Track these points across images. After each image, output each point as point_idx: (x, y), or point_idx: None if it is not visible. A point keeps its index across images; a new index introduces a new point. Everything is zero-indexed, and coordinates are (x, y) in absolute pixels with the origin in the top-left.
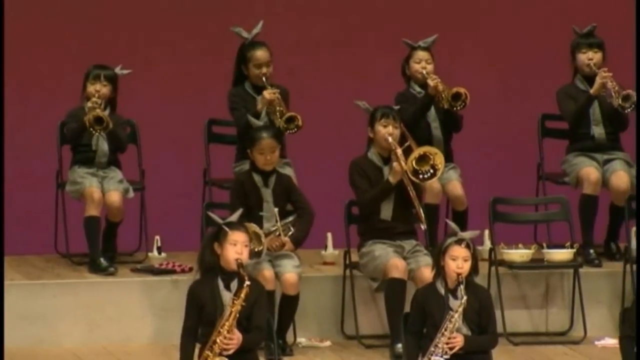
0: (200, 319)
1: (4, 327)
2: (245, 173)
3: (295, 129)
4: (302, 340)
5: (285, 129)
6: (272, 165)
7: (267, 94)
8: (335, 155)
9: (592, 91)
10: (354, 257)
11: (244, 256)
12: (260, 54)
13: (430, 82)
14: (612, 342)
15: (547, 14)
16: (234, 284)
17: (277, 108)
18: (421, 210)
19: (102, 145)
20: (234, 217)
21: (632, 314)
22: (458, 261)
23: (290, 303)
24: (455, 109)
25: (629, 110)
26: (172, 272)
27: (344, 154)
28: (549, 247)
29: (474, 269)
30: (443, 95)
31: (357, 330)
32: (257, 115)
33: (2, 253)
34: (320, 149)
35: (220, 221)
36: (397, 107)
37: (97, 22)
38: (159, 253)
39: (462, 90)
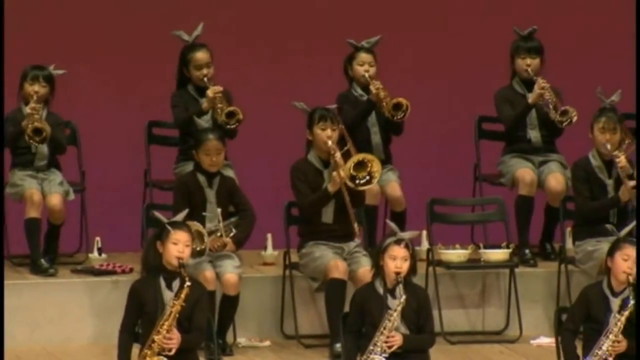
0: (139, 317)
1: (4, 326)
2: (189, 174)
3: (236, 124)
4: (242, 340)
5: (226, 124)
6: (218, 166)
7: (211, 92)
8: (275, 158)
9: (530, 101)
10: (294, 258)
11: (186, 255)
12: (201, 55)
13: (372, 89)
14: (547, 340)
15: (484, 16)
16: (175, 283)
17: (218, 105)
18: (354, 222)
19: (42, 148)
20: (179, 217)
21: (577, 309)
22: (397, 261)
23: (230, 303)
24: (395, 118)
25: (565, 124)
26: (112, 272)
27: (283, 156)
28: (485, 247)
29: (413, 269)
30: (384, 103)
31: (297, 330)
32: (202, 115)
33: (2, 253)
34: (260, 152)
35: (164, 219)
36: (335, 106)
37: (36, 22)
38: (100, 254)
39: (403, 101)
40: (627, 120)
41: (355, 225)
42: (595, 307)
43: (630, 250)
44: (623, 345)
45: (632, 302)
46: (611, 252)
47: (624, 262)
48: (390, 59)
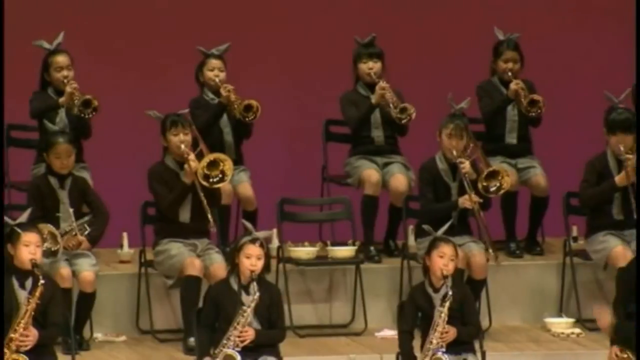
0: None
1: (4, 326)
2: (41, 176)
3: (93, 112)
4: (98, 335)
5: (82, 113)
6: (68, 168)
7: (68, 87)
8: (131, 158)
9: (373, 101)
10: (149, 256)
11: (38, 256)
12: (61, 59)
13: (223, 92)
14: (391, 333)
15: (329, 24)
16: (28, 283)
17: (75, 98)
18: (209, 215)
19: None
20: (23, 218)
21: (408, 309)
22: (252, 259)
23: (87, 300)
24: (246, 119)
25: (405, 121)
26: None
27: (139, 156)
28: (332, 244)
29: (266, 267)
30: (235, 106)
31: (152, 325)
32: (58, 108)
33: (2, 251)
34: (116, 153)
35: (11, 222)
36: (187, 111)
37: None
38: None
39: (254, 103)
40: (473, 124)
41: (211, 221)
42: (422, 306)
43: (445, 248)
44: (451, 334)
45: (450, 293)
46: (428, 251)
47: (439, 260)
48: (241, 62)
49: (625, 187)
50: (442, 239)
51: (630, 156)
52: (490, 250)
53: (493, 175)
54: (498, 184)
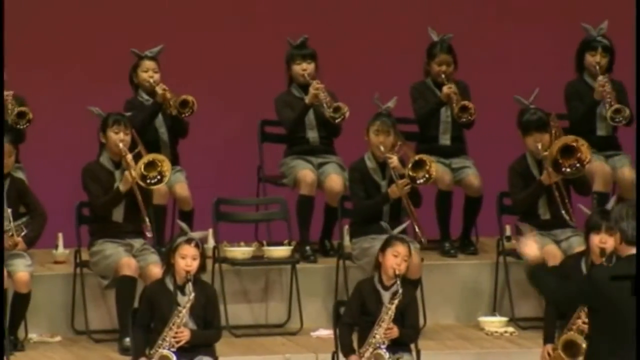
0: None
1: (4, 324)
2: None
3: (27, 124)
4: (33, 336)
5: (17, 123)
6: (8, 168)
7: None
8: (66, 159)
9: (307, 101)
10: (85, 257)
11: None
12: None
13: (159, 90)
14: (326, 332)
15: (262, 25)
16: None
17: (9, 106)
18: (146, 218)
19: None
20: None
21: (352, 302)
22: (187, 259)
23: (22, 301)
24: (183, 115)
25: (338, 120)
26: None
27: (74, 157)
28: (268, 244)
29: (202, 267)
30: (171, 102)
31: (87, 325)
32: None
33: (2, 251)
34: (51, 153)
35: None
36: (128, 115)
37: None
38: None
39: (189, 98)
40: (402, 124)
41: (147, 222)
42: (368, 301)
43: (400, 248)
44: (395, 332)
45: (400, 291)
46: (383, 249)
47: (393, 258)
48: (175, 64)
49: (550, 186)
50: (399, 238)
51: (546, 153)
52: (418, 230)
53: (420, 165)
54: (427, 175)
